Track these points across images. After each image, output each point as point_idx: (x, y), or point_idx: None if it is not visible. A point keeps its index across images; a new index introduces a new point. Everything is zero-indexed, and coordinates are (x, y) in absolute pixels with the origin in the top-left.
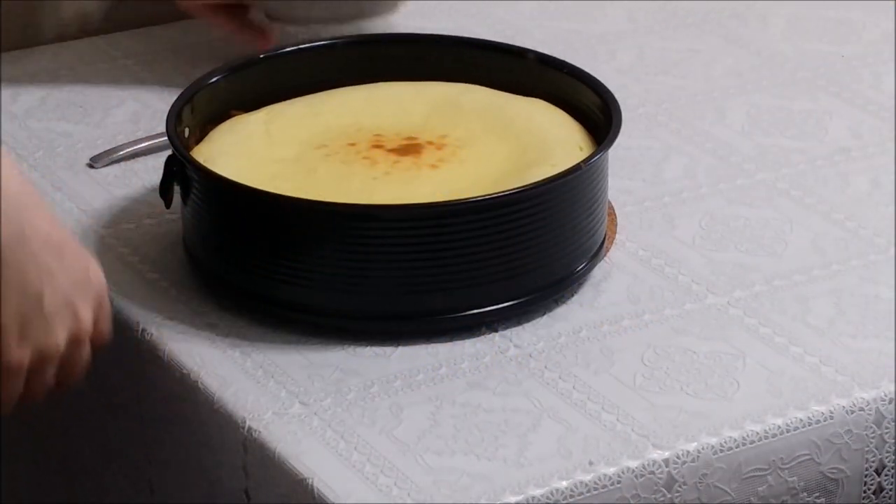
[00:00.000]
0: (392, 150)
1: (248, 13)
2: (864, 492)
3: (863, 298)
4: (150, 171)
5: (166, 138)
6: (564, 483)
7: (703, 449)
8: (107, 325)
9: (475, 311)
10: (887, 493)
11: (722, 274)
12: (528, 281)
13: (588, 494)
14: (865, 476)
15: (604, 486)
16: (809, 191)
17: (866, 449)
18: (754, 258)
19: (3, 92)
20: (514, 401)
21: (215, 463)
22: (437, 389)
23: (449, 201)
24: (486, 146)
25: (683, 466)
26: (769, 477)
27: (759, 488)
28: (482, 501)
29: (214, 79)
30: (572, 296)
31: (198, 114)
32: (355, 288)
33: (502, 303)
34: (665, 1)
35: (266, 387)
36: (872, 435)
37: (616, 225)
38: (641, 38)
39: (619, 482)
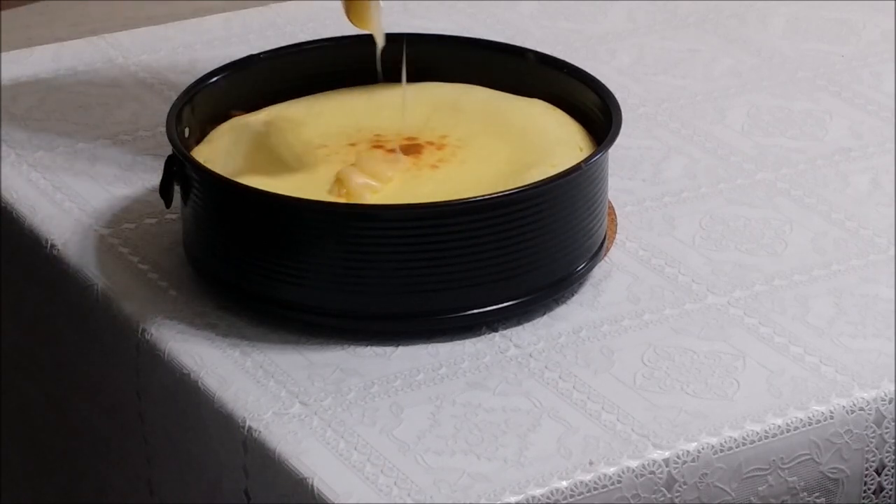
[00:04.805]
0: (392, 151)
1: None
2: (864, 492)
3: (863, 298)
4: (150, 171)
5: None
6: (564, 483)
7: (703, 449)
8: None
9: (475, 311)
10: (887, 493)
11: (722, 274)
12: (528, 281)
13: (588, 494)
14: (865, 476)
15: (604, 486)
16: (809, 191)
17: (866, 449)
18: (754, 258)
19: (3, 92)
20: (514, 401)
21: (215, 463)
22: (437, 389)
23: (449, 201)
24: (486, 146)
25: (683, 466)
26: (769, 477)
27: (759, 488)
28: (482, 501)
29: (214, 79)
30: (572, 296)
31: (198, 114)
32: (355, 288)
33: (502, 303)
34: (665, 1)
35: (266, 387)
36: (872, 435)
37: (616, 225)
38: (641, 38)
39: (619, 482)
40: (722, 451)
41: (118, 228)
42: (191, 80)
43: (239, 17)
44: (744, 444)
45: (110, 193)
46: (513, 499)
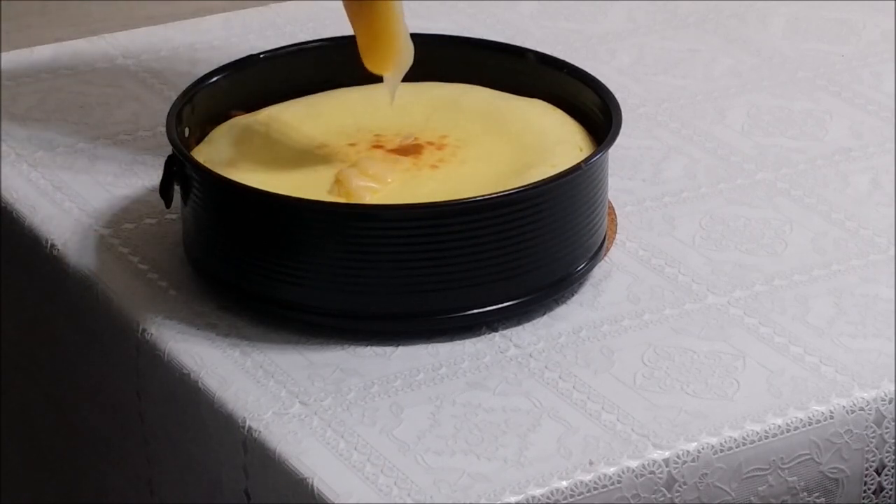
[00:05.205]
0: (392, 151)
1: None
2: (864, 492)
3: (863, 298)
4: (150, 171)
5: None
6: (564, 483)
7: (703, 449)
8: None
9: (475, 311)
10: (887, 493)
11: (722, 274)
12: (528, 281)
13: (588, 494)
14: (865, 476)
15: (604, 486)
16: (809, 191)
17: (866, 449)
18: (754, 258)
19: (3, 92)
20: (514, 401)
21: (215, 463)
22: (437, 389)
23: (449, 201)
24: (486, 146)
25: (683, 466)
26: (769, 477)
27: (759, 488)
28: (482, 501)
29: (214, 79)
30: (572, 296)
31: (198, 114)
32: (355, 288)
33: (502, 303)
34: (665, 1)
35: (266, 387)
36: (872, 435)
37: (616, 225)
38: (641, 38)
39: (619, 482)
40: (722, 451)
41: (118, 228)
42: (191, 80)
43: (239, 17)
44: (744, 444)
45: (110, 193)
46: (513, 499)
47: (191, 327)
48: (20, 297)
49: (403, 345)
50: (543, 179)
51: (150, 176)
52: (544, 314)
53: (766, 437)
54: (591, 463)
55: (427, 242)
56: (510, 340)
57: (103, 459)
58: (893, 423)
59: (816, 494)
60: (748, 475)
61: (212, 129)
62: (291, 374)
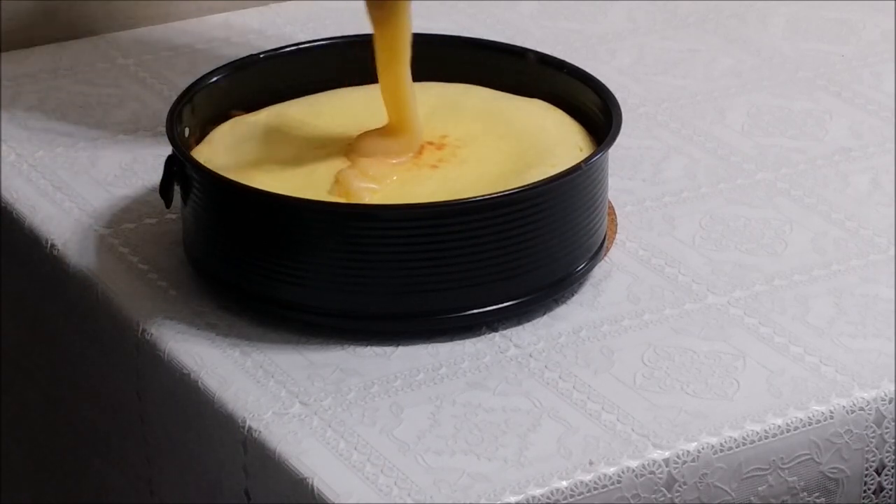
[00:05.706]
0: None
1: None
2: (864, 492)
3: (863, 298)
4: (150, 171)
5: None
6: (564, 483)
7: (703, 449)
8: None
9: (475, 311)
10: (887, 492)
11: (722, 274)
12: (528, 281)
13: (588, 494)
14: (865, 476)
15: (604, 486)
16: (809, 191)
17: (866, 449)
18: (754, 258)
19: (3, 92)
20: (514, 401)
21: (215, 463)
22: (437, 389)
23: (449, 201)
24: (486, 146)
25: (683, 466)
26: (769, 477)
27: (759, 488)
28: (482, 501)
29: (214, 79)
30: (572, 296)
31: (198, 114)
32: (355, 288)
33: (502, 303)
34: (665, 1)
35: (266, 387)
36: (872, 435)
37: (616, 225)
38: (641, 38)
39: (619, 482)
40: (722, 451)
41: (118, 228)
42: (191, 80)
43: (239, 17)
44: (744, 444)
45: (110, 193)
46: (513, 499)
47: (191, 327)
48: (20, 297)
49: (403, 345)
50: (543, 179)
51: (150, 176)
52: (544, 314)
53: (766, 437)
54: (591, 463)
55: (427, 242)
56: (510, 340)
57: (103, 459)
58: (893, 423)
59: (816, 494)
60: (748, 475)
61: (212, 129)
62: (291, 374)
